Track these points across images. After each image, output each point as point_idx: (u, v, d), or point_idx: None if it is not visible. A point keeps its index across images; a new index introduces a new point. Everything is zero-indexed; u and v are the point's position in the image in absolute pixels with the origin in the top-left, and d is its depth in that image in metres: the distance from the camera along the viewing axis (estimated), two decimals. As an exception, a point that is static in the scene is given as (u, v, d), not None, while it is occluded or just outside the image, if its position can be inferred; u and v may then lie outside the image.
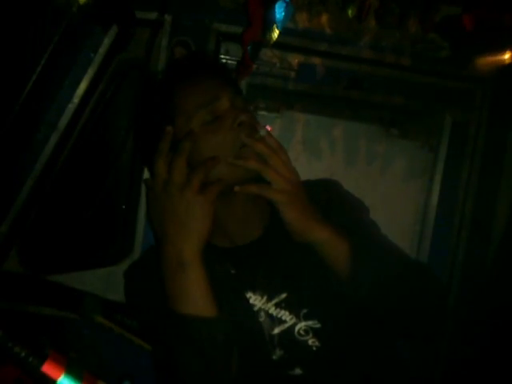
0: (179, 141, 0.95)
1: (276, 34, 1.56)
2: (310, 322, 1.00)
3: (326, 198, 1.09)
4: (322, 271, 0.97)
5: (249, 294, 1.01)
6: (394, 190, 2.03)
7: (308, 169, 1.96)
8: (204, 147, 0.95)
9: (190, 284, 0.88)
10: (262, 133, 0.98)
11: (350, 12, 1.76)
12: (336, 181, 1.19)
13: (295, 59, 1.81)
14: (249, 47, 1.57)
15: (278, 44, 1.61)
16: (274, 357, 0.99)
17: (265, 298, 1.01)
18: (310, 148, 1.98)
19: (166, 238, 0.90)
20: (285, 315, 1.00)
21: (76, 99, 1.60)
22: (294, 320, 1.00)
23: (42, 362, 0.81)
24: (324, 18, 1.79)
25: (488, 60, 1.85)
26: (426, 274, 1.05)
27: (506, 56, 1.79)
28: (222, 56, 1.87)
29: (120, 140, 1.74)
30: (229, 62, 1.87)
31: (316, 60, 1.82)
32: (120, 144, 1.74)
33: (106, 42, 1.62)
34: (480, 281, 1.93)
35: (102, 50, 1.60)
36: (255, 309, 1.00)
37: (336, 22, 1.78)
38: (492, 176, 1.97)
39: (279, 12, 1.32)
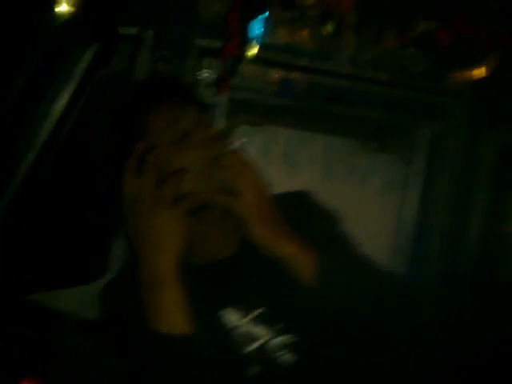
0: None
1: (255, 49, 1.59)
2: (285, 337, 1.00)
3: (299, 210, 1.09)
4: (296, 285, 0.97)
5: (224, 311, 1.01)
6: (372, 203, 2.06)
7: (288, 182, 1.97)
8: (173, 165, 0.95)
9: (166, 302, 0.88)
10: (231, 147, 1.00)
11: (329, 27, 1.80)
12: (309, 192, 1.18)
13: (276, 74, 1.83)
14: (227, 62, 1.59)
15: (258, 59, 1.63)
16: (251, 373, 0.99)
17: (240, 314, 1.01)
18: (290, 161, 2.00)
19: (141, 256, 0.89)
20: (260, 331, 1.00)
21: (56, 114, 1.60)
22: (269, 335, 1.00)
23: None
24: (304, 33, 1.82)
25: (464, 74, 1.90)
26: (398, 287, 1.07)
27: (481, 70, 1.84)
28: (205, 71, 1.89)
29: (99, 156, 1.74)
30: (211, 76, 1.88)
31: (296, 75, 1.84)
32: (99, 159, 1.74)
33: (87, 57, 1.63)
34: (457, 292, 1.96)
35: (83, 66, 1.60)
36: (230, 325, 1.00)
37: (316, 37, 1.81)
38: (468, 189, 2.01)
39: (258, 28, 1.34)
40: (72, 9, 1.39)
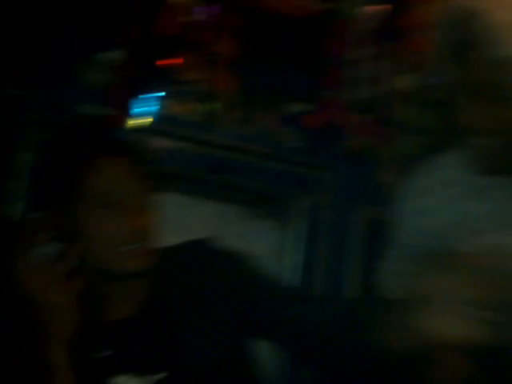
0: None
1: (148, 121, 1.69)
2: None
3: (198, 261, 1.04)
4: (191, 348, 0.96)
5: (124, 377, 0.94)
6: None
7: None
8: (90, 232, 0.92)
9: None
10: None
11: (217, 104, 1.97)
12: (208, 239, 1.14)
13: (165, 143, 1.95)
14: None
15: (146, 128, 1.74)
16: None
17: (143, 378, 0.95)
18: (179, 226, 2.09)
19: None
20: None
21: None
22: None
23: None
24: (193, 107, 1.97)
25: (333, 151, 2.12)
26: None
27: (346, 149, 2.07)
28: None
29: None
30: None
31: (184, 144, 1.97)
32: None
33: None
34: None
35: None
36: None
37: (203, 111, 1.97)
38: (342, 254, 2.19)
39: (152, 104, 1.44)
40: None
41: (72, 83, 1.82)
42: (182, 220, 2.09)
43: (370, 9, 1.82)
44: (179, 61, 1.66)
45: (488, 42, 0.85)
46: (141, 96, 1.57)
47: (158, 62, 1.58)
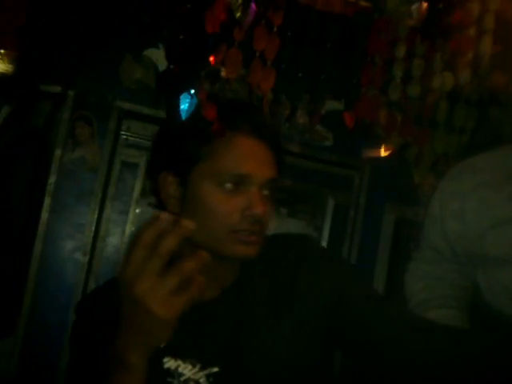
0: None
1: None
2: None
3: (298, 256, 0.97)
4: (262, 350, 0.90)
5: (176, 362, 0.92)
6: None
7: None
8: (206, 212, 0.86)
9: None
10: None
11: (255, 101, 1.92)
12: (311, 237, 1.08)
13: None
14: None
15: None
16: None
17: (197, 367, 0.92)
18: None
19: (123, 333, 0.76)
20: None
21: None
22: None
23: None
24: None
25: (365, 151, 2.08)
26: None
27: (380, 148, 2.03)
28: (123, 133, 1.93)
29: (13, 211, 1.70)
30: (130, 138, 1.93)
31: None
32: (13, 215, 1.70)
33: (4, 112, 1.62)
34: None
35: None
36: (182, 378, 0.91)
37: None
38: (369, 253, 2.17)
39: (183, 103, 1.41)
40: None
41: (110, 80, 1.79)
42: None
43: (415, 7, 1.76)
44: (218, 58, 1.61)
45: None
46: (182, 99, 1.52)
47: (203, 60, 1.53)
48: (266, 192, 0.89)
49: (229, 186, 0.87)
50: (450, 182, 1.21)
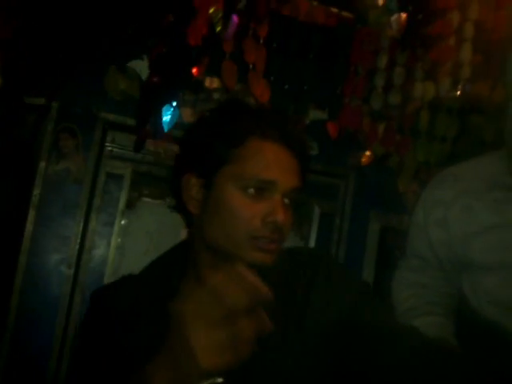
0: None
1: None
2: None
3: (313, 274, 0.95)
4: (269, 364, 0.87)
5: None
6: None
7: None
8: (235, 213, 0.85)
9: None
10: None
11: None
12: (329, 254, 1.09)
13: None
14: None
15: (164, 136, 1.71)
16: None
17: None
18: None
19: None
20: None
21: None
22: None
23: None
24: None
25: (349, 159, 2.10)
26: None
27: (364, 157, 2.05)
28: (108, 144, 1.93)
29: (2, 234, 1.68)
30: (114, 150, 1.92)
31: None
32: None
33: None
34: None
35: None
36: None
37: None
38: (355, 261, 2.18)
39: (166, 115, 1.43)
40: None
41: (94, 91, 1.79)
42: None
43: (395, 18, 1.79)
44: (201, 70, 1.62)
45: None
46: (164, 111, 1.53)
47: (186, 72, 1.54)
48: (287, 201, 0.88)
49: (252, 191, 0.86)
50: (433, 190, 1.23)
